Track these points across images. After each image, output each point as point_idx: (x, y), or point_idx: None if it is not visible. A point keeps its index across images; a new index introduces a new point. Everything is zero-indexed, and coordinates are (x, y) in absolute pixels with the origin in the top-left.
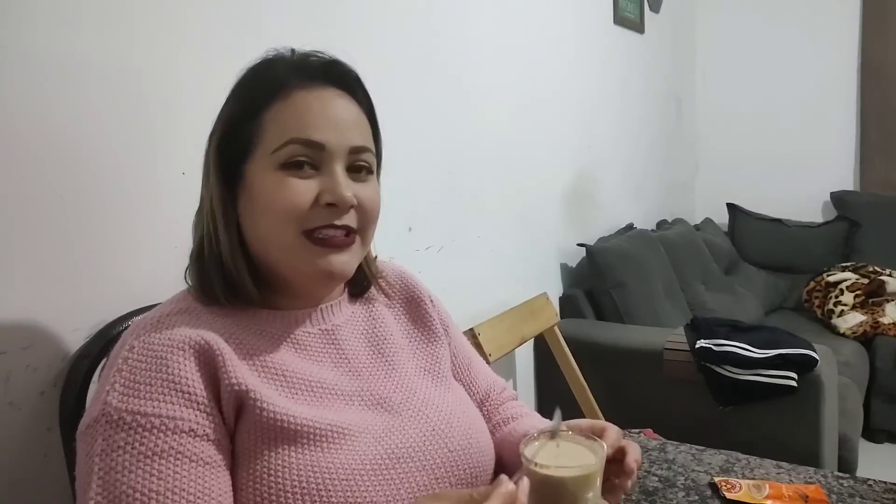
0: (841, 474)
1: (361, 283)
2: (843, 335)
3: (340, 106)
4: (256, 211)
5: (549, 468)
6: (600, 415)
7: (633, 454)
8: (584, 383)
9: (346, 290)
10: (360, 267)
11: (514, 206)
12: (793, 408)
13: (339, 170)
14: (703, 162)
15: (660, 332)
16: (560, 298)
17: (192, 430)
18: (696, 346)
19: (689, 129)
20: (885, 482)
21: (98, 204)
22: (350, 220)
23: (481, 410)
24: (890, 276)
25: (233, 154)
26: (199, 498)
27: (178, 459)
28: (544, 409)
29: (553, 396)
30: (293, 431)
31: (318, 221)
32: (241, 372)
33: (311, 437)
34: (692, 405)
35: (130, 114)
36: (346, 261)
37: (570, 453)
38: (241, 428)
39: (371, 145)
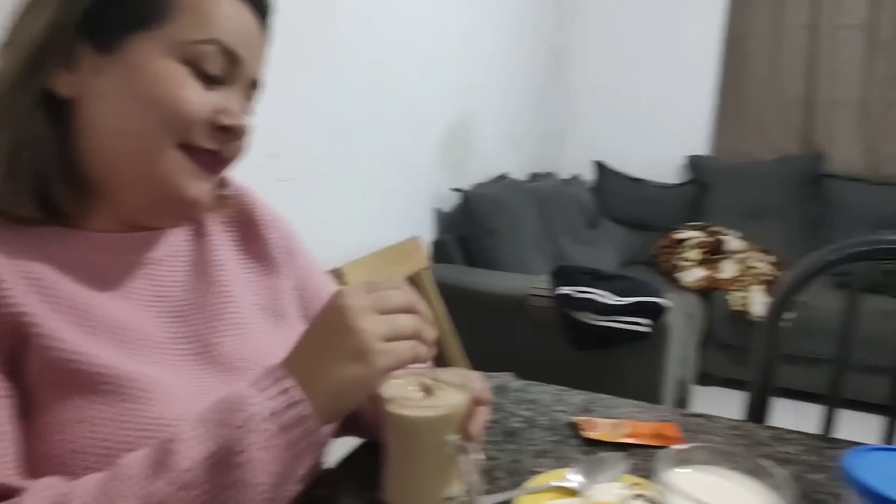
0: (691, 413)
1: None
2: (685, 288)
3: (258, 31)
4: (133, 98)
5: (409, 408)
6: (465, 360)
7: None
8: (452, 328)
9: None
10: None
11: (389, 143)
12: (641, 352)
13: (237, 96)
14: (575, 118)
15: (525, 279)
16: (432, 244)
17: None
18: (556, 292)
19: (564, 85)
20: (731, 419)
21: None
22: (229, 150)
23: None
24: (727, 235)
25: (115, 20)
26: None
27: None
28: None
29: None
30: (91, 376)
31: (203, 141)
32: (22, 294)
33: (116, 385)
34: (552, 350)
35: None
36: (209, 191)
37: (432, 394)
38: (23, 368)
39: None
